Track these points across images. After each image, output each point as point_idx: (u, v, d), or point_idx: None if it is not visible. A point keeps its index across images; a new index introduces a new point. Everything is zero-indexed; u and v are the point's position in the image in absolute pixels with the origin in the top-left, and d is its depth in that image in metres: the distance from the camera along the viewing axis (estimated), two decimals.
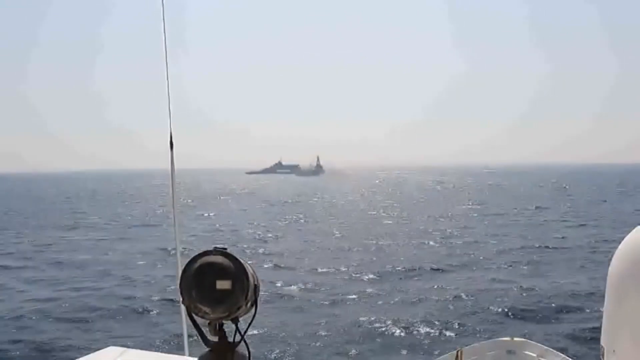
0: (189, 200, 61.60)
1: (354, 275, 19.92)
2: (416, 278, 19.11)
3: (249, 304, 1.68)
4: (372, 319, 14.07)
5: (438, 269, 20.40)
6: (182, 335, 2.03)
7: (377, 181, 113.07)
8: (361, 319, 14.02)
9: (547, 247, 25.17)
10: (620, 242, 1.71)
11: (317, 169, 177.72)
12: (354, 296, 16.45)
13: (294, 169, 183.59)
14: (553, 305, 15.26)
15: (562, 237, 28.08)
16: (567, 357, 2.60)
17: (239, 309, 1.65)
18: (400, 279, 19.21)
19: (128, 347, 2.33)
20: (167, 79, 2.28)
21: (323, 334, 12.85)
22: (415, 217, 41.51)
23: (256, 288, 1.68)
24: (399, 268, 20.95)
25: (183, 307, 1.71)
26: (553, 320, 14.17)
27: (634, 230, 1.72)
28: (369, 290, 17.23)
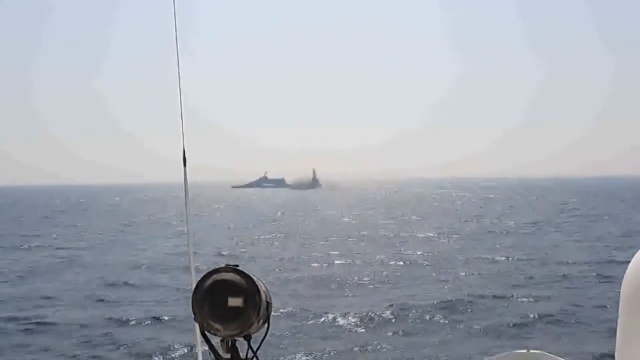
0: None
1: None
2: None
3: (261, 321, 1.70)
4: None
5: None
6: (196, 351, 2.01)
7: (377, 197, 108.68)
8: None
9: None
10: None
11: (314, 183, 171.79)
12: None
13: (279, 182, 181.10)
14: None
15: None
16: None
17: (251, 325, 1.66)
18: None
19: None
20: (180, 95, 2.28)
21: None
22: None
23: (268, 305, 1.71)
24: None
25: (196, 324, 1.70)
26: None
27: None
28: None
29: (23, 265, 27.82)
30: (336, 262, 27.63)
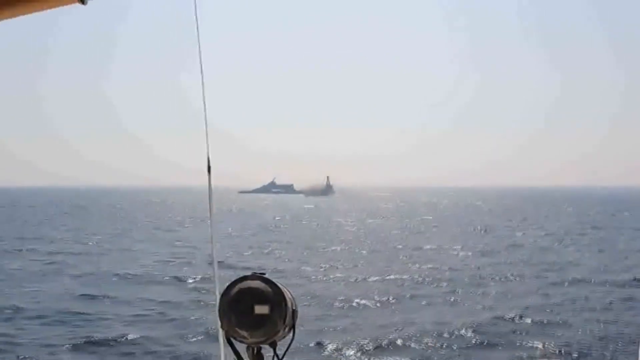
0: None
1: None
2: None
3: (287, 329, 1.73)
4: None
5: None
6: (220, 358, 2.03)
7: (390, 205, 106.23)
8: None
9: None
10: None
11: (327, 189, 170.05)
12: None
13: (288, 188, 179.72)
14: None
15: None
16: None
17: (277, 333, 1.70)
18: None
19: None
20: (204, 102, 2.30)
21: None
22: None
23: (294, 313, 1.78)
24: None
25: (221, 331, 1.71)
26: None
27: None
28: None
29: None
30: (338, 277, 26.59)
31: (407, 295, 22.37)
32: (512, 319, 18.27)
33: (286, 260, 32.44)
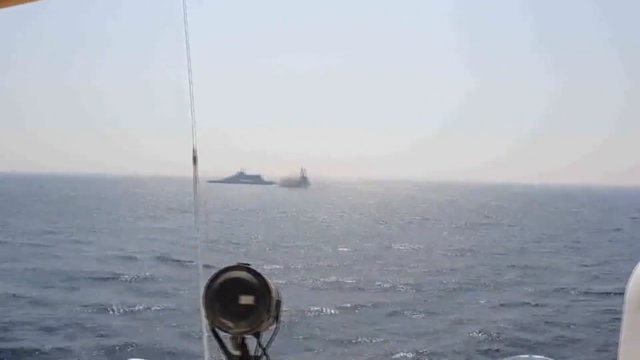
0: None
1: None
2: None
3: (271, 319, 1.75)
4: None
5: None
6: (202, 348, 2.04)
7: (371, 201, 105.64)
8: None
9: None
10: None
11: (302, 181, 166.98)
12: None
13: (256, 179, 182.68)
14: None
15: None
16: None
17: (261, 323, 1.72)
18: None
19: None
20: (191, 95, 2.30)
21: None
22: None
23: (278, 303, 1.79)
24: None
25: (204, 321, 1.73)
26: None
27: None
28: None
29: None
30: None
31: (369, 305, 20.24)
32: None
33: (242, 256, 30.03)
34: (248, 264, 1.74)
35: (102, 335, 15.51)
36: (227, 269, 1.73)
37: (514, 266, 28.57)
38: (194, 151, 2.35)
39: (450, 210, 75.33)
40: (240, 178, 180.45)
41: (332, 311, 18.69)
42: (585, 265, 29.60)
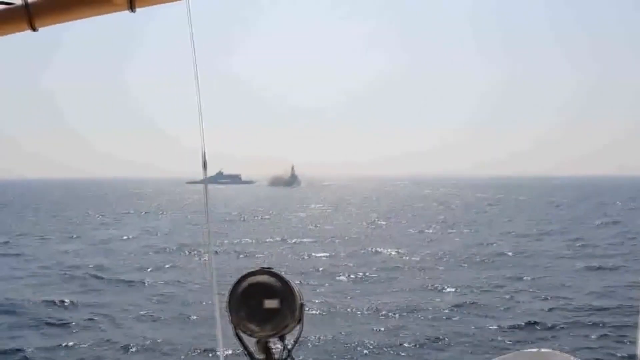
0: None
1: None
2: None
3: (295, 322, 1.81)
4: None
5: None
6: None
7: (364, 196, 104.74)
8: None
9: None
10: None
11: (292, 180, 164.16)
12: None
13: (235, 178, 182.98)
14: None
15: None
16: None
17: (286, 327, 1.78)
18: None
19: None
20: (199, 101, 2.29)
21: None
22: None
23: (302, 306, 1.85)
24: None
25: (219, 325, 1.75)
26: None
27: None
28: None
29: None
30: None
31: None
32: None
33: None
34: (270, 268, 1.80)
35: None
36: (250, 274, 1.79)
37: None
38: (204, 156, 2.34)
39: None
40: (219, 178, 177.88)
41: None
42: None
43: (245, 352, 1.80)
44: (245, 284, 1.75)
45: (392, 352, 14.25)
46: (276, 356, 1.80)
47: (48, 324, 16.49)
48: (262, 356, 1.80)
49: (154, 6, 1.55)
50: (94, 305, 18.69)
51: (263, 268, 1.78)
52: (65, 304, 18.89)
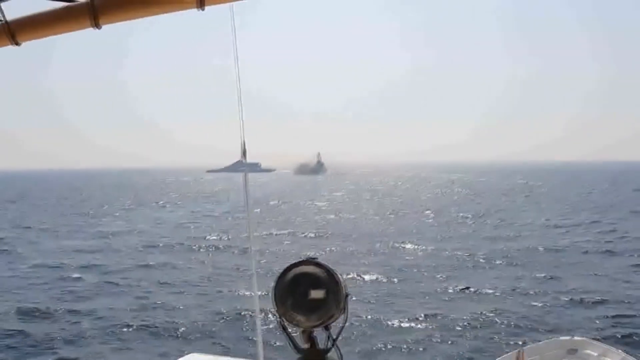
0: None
1: None
2: None
3: (340, 312, 1.79)
4: None
5: None
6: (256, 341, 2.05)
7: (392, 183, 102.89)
8: None
9: None
10: None
11: (318, 167, 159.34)
12: None
13: (254, 167, 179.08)
14: None
15: None
16: (629, 356, 2.58)
17: (331, 317, 1.77)
18: None
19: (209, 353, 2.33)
20: (239, 88, 2.28)
21: None
22: None
23: (347, 297, 1.78)
24: None
25: (258, 315, 1.74)
26: None
27: None
28: None
29: None
30: None
31: None
32: None
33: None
34: (316, 258, 1.78)
35: None
36: (295, 264, 1.77)
37: None
38: (243, 144, 2.35)
39: None
40: (239, 167, 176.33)
41: None
42: None
43: (290, 342, 1.79)
44: (290, 274, 1.73)
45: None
46: (320, 346, 1.77)
47: None
48: (306, 346, 1.77)
49: (221, 5, 1.49)
50: None
51: (309, 258, 1.76)
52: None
